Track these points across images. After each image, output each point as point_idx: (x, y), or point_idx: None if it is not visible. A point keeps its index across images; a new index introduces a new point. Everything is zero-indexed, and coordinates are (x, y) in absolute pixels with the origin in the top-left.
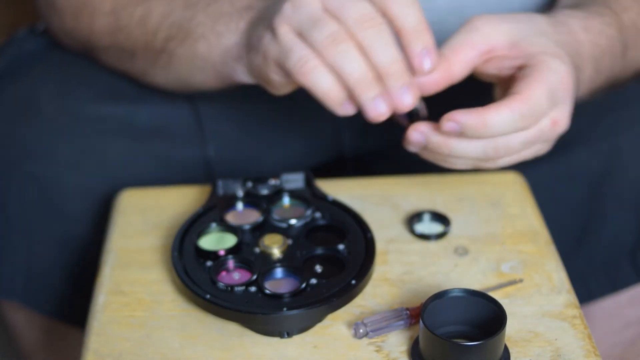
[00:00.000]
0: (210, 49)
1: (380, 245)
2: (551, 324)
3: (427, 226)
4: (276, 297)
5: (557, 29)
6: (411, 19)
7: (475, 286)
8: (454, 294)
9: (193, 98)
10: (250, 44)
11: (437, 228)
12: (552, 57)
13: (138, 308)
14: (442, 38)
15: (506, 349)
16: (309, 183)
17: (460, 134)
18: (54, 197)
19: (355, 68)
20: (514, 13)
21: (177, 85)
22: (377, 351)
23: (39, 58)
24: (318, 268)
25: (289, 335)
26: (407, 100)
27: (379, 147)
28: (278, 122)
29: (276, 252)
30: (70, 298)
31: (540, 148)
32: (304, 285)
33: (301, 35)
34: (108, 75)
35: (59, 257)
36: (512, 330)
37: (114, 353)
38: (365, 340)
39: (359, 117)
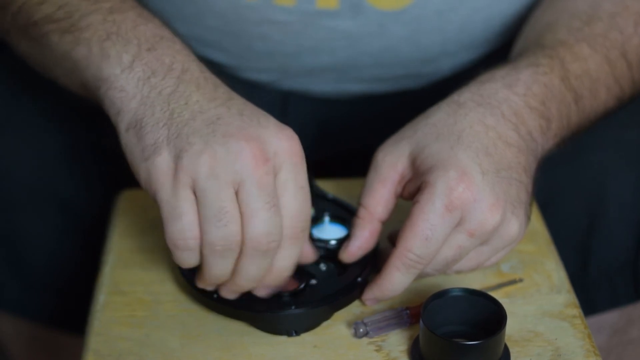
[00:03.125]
0: (88, 62)
1: (381, 244)
2: (551, 323)
3: None
4: (283, 295)
5: (460, 112)
6: (287, 263)
7: (475, 286)
8: (454, 293)
9: None
10: (141, 127)
11: None
12: (435, 175)
13: (138, 308)
14: (398, 66)
15: (506, 349)
16: (308, 182)
17: (382, 299)
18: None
19: (218, 272)
20: (413, 121)
21: (38, 66)
22: (377, 351)
23: None
24: (322, 266)
25: (297, 333)
26: (230, 297)
27: (330, 156)
28: None
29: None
30: (48, 299)
31: (497, 247)
32: (306, 283)
33: (199, 201)
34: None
35: (4, 253)
36: (512, 329)
37: (114, 353)
38: (365, 340)
39: (310, 127)
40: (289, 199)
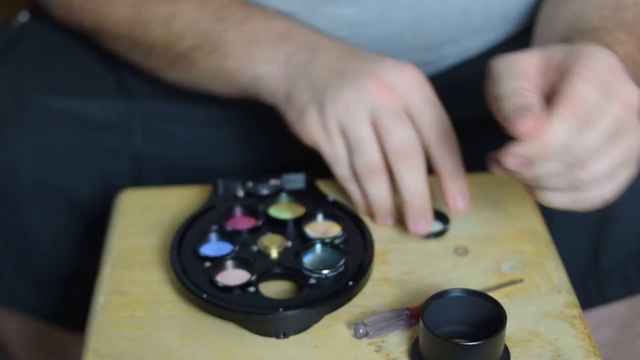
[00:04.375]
0: (241, 69)
1: (380, 245)
2: (551, 324)
3: None
4: (273, 297)
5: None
6: (449, 164)
7: (475, 286)
8: (454, 294)
9: (133, 96)
10: (291, 97)
11: (436, 226)
12: (588, 47)
13: (138, 308)
14: (401, 54)
15: (506, 349)
16: (309, 183)
17: (529, 164)
18: (3, 188)
19: (378, 197)
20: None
21: (191, 86)
22: (377, 351)
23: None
24: (316, 268)
25: (285, 335)
26: (422, 229)
27: None
28: (232, 125)
29: (274, 252)
30: (49, 298)
31: (629, 146)
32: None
33: (346, 142)
34: (62, 71)
35: (12, 250)
36: (512, 330)
37: (114, 353)
38: (365, 341)
39: None
40: (427, 115)
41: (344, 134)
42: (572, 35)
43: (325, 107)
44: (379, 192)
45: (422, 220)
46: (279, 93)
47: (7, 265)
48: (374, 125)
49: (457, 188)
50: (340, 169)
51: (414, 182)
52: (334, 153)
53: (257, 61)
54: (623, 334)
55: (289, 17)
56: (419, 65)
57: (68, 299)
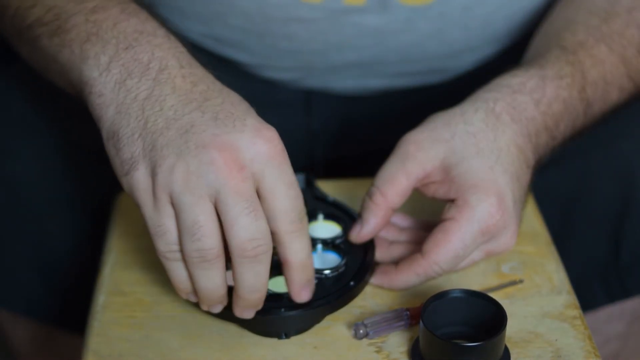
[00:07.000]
0: (72, 64)
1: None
2: (551, 324)
3: None
4: (275, 297)
5: (498, 127)
6: (299, 254)
7: (475, 287)
8: (454, 294)
9: None
10: (117, 139)
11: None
12: (477, 198)
13: (138, 309)
14: (422, 61)
15: (506, 350)
16: (309, 184)
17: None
18: (22, 196)
19: (208, 288)
20: (450, 120)
21: (37, 69)
22: (377, 352)
23: (10, 60)
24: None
25: (287, 336)
26: (247, 315)
27: (353, 154)
28: None
29: (275, 253)
30: (50, 300)
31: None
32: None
33: (176, 214)
34: None
35: (32, 257)
36: (512, 331)
37: (114, 354)
38: (365, 341)
39: (333, 124)
40: (280, 200)
41: (177, 208)
42: (552, 51)
43: (158, 170)
44: (211, 282)
45: (251, 310)
46: (103, 121)
47: (30, 274)
48: (217, 207)
49: (304, 279)
50: (162, 243)
51: (254, 281)
52: (158, 225)
53: (87, 62)
54: (634, 327)
55: (150, 19)
56: (437, 71)
57: (87, 307)
